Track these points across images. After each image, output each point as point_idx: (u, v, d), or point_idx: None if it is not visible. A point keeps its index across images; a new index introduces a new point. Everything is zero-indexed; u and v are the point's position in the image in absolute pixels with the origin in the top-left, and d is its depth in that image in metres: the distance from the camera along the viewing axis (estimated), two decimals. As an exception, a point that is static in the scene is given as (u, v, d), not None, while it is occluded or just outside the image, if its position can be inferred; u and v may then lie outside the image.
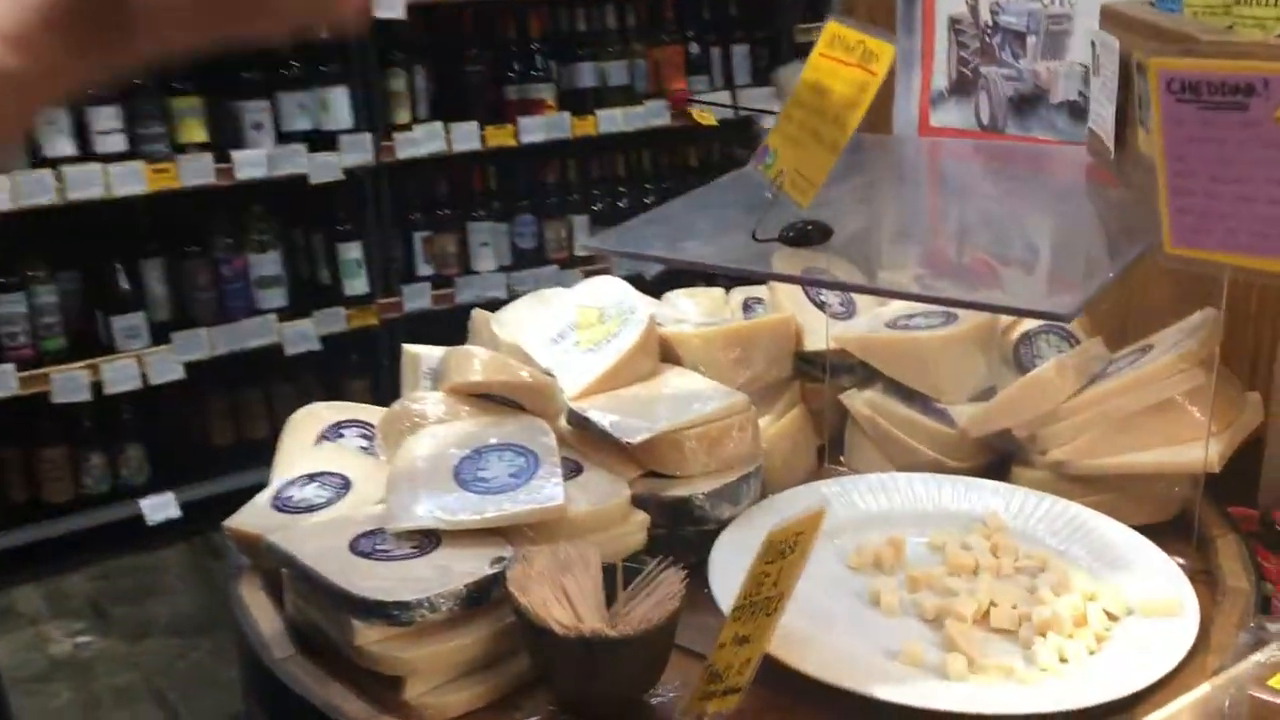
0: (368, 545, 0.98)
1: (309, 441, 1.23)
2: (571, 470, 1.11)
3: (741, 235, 0.97)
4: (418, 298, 3.67)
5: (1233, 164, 0.82)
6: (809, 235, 0.95)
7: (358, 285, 3.60)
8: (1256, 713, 0.83)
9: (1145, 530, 1.12)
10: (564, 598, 0.93)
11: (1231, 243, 0.82)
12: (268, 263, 3.49)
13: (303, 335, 3.49)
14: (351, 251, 3.59)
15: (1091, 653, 0.96)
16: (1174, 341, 1.17)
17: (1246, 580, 1.06)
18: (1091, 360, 1.21)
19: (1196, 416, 1.13)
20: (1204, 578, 1.07)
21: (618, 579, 0.96)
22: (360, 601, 0.90)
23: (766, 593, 0.90)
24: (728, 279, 1.30)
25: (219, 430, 3.60)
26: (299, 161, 3.38)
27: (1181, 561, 1.08)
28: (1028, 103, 1.37)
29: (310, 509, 1.07)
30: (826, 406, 1.35)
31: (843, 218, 0.98)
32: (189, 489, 3.41)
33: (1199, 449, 1.12)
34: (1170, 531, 1.15)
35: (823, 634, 0.99)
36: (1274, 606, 1.05)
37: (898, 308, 1.36)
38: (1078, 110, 1.33)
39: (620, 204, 3.95)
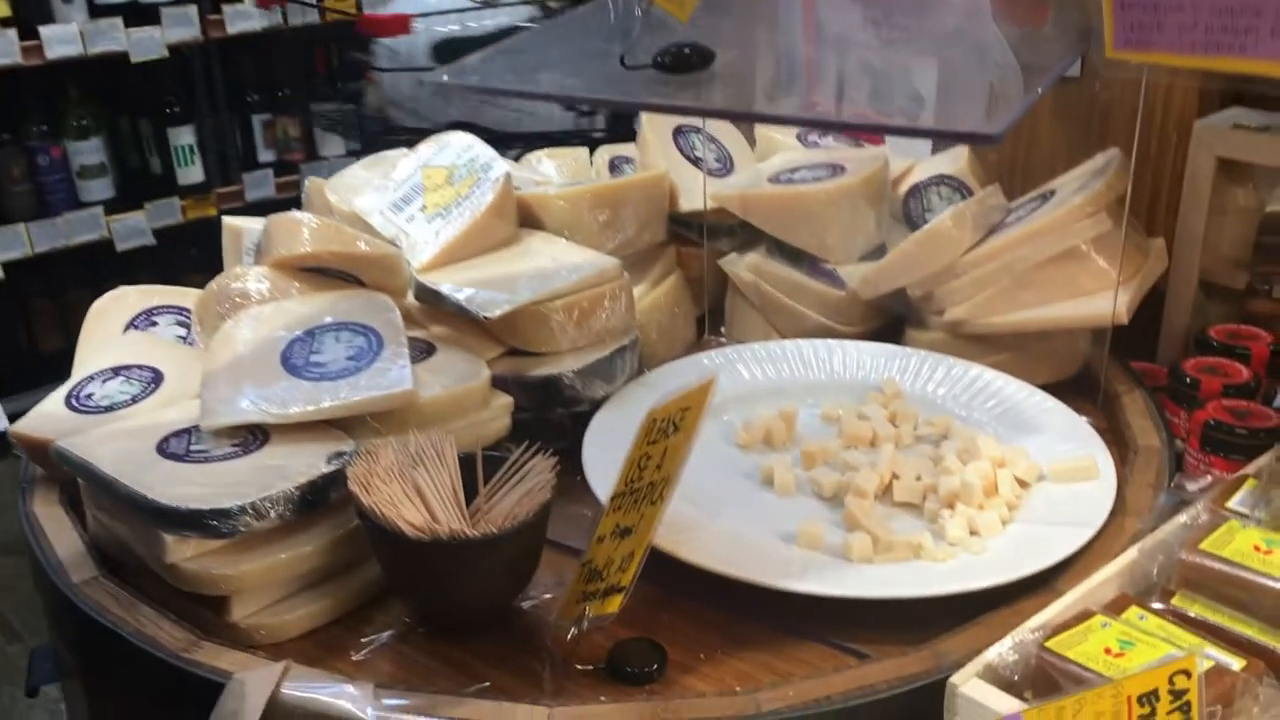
0: (179, 446, 0.83)
1: (116, 331, 1.06)
2: (422, 351, 0.98)
3: (609, 64, 0.83)
4: (259, 185, 3.41)
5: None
6: (687, 60, 0.82)
7: (192, 174, 3.33)
8: (1187, 577, 0.76)
9: (1046, 390, 1.04)
10: (416, 496, 0.80)
11: (1185, 41, 0.71)
12: (89, 150, 3.20)
13: (134, 229, 3.23)
14: (183, 137, 3.31)
15: (1004, 523, 0.87)
16: (1078, 186, 1.08)
17: (1158, 438, 0.99)
18: (990, 210, 1.11)
19: (1102, 265, 1.05)
20: (1110, 437, 0.99)
21: (478, 471, 0.83)
22: (169, 512, 0.76)
23: (649, 478, 0.79)
24: (591, 139, 1.15)
25: (46, 335, 3.33)
26: (116, 38, 3.07)
27: (1089, 421, 1.00)
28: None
29: (112, 408, 0.92)
30: (705, 272, 1.23)
31: (724, 43, 0.84)
32: (16, 399, 3.12)
33: (1105, 300, 1.04)
34: (1072, 390, 1.08)
35: (710, 519, 0.88)
36: (1187, 464, 0.99)
37: (780, 162, 1.24)
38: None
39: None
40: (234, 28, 3.26)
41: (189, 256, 3.43)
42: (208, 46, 3.25)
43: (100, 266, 3.33)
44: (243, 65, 3.45)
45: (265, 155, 3.51)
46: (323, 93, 3.58)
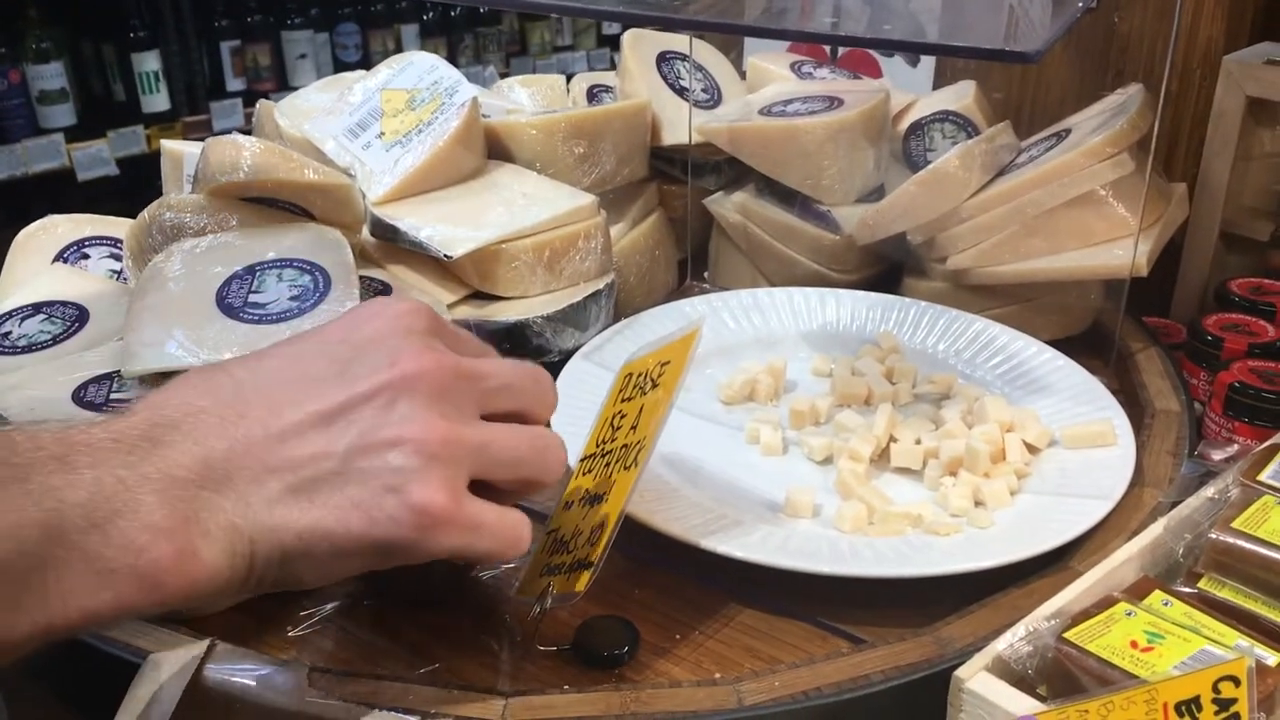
0: (97, 394, 0.74)
1: (43, 264, 0.97)
2: (376, 293, 0.89)
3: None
4: (228, 115, 3.29)
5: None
6: (672, -34, 0.73)
7: (158, 101, 3.21)
8: (1217, 559, 0.68)
9: (1054, 346, 0.96)
10: (361, 454, 0.72)
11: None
12: (50, 75, 3.07)
13: (96, 158, 3.11)
14: (148, 63, 3.18)
15: (1013, 493, 0.79)
16: (1096, 124, 0.99)
17: (1176, 401, 0.91)
18: (1000, 150, 1.02)
19: (1121, 212, 0.96)
20: (1123, 399, 0.91)
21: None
22: (78, 470, 0.67)
23: (623, 439, 0.70)
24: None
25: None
26: (77, -44, 2.94)
27: (1101, 381, 0.92)
28: None
29: (30, 349, 0.83)
30: (689, 212, 1.14)
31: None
32: (-27, 335, 3.04)
33: (1123, 250, 0.95)
34: (1081, 347, 1.00)
35: (688, 484, 0.80)
36: (1207, 429, 0.91)
37: (772, 93, 1.15)
38: None
39: (454, 12, 3.60)
40: (201, -52, 3.12)
41: (154, 187, 3.31)
42: (174, -34, 3.12)
43: (60, 196, 3.21)
44: (211, -12, 3.32)
45: (234, 84, 3.39)
46: (295, 20, 3.45)
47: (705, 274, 1.18)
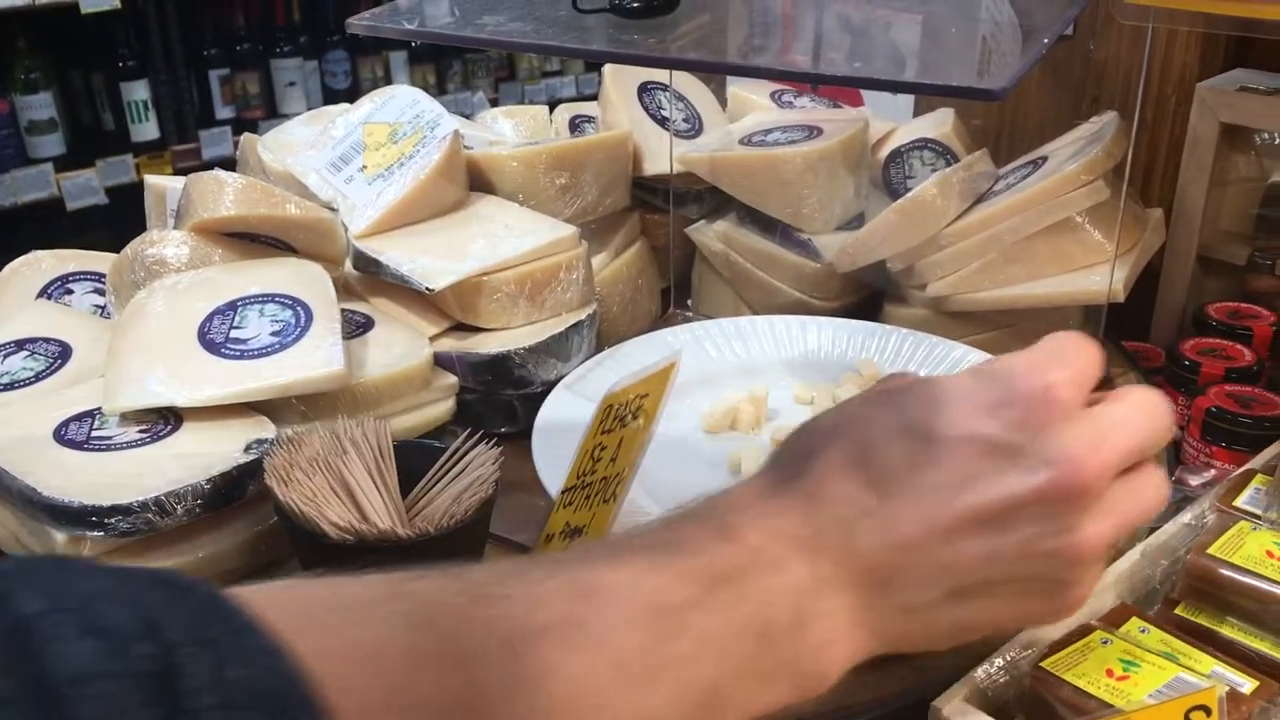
0: (78, 432, 0.75)
1: (26, 300, 0.97)
2: (358, 326, 0.89)
3: (560, 7, 0.74)
4: (217, 144, 3.30)
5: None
6: (650, 2, 0.73)
7: (147, 130, 3.22)
8: (1193, 585, 0.69)
9: (1036, 372, 0.96)
10: (343, 490, 0.72)
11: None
12: (39, 105, 3.08)
13: (86, 187, 3.11)
14: (137, 92, 3.19)
15: (992, 521, 0.80)
16: (1072, 152, 1.00)
17: (1155, 425, 0.92)
18: (977, 177, 1.03)
19: (1097, 238, 0.97)
20: (1103, 424, 0.92)
21: (419, 462, 0.75)
22: (58, 507, 0.67)
23: (603, 472, 0.71)
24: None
25: (-4, 297, 3.21)
26: (66, -13, 2.94)
27: (1081, 406, 0.92)
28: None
29: (12, 386, 0.83)
30: (671, 241, 1.15)
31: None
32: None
33: (1100, 276, 0.96)
34: (1061, 372, 1.00)
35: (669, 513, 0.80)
36: (1185, 454, 0.91)
37: (752, 122, 1.16)
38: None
39: (442, 38, 3.62)
40: (189, -22, 3.14)
41: (144, 217, 3.32)
42: (162, -3, 3.13)
43: (50, 225, 3.21)
44: (201, 17, 3.33)
45: (223, 112, 3.40)
46: (284, 48, 3.46)
47: (689, 301, 1.18)
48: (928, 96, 1.22)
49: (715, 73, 1.08)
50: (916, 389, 0.53)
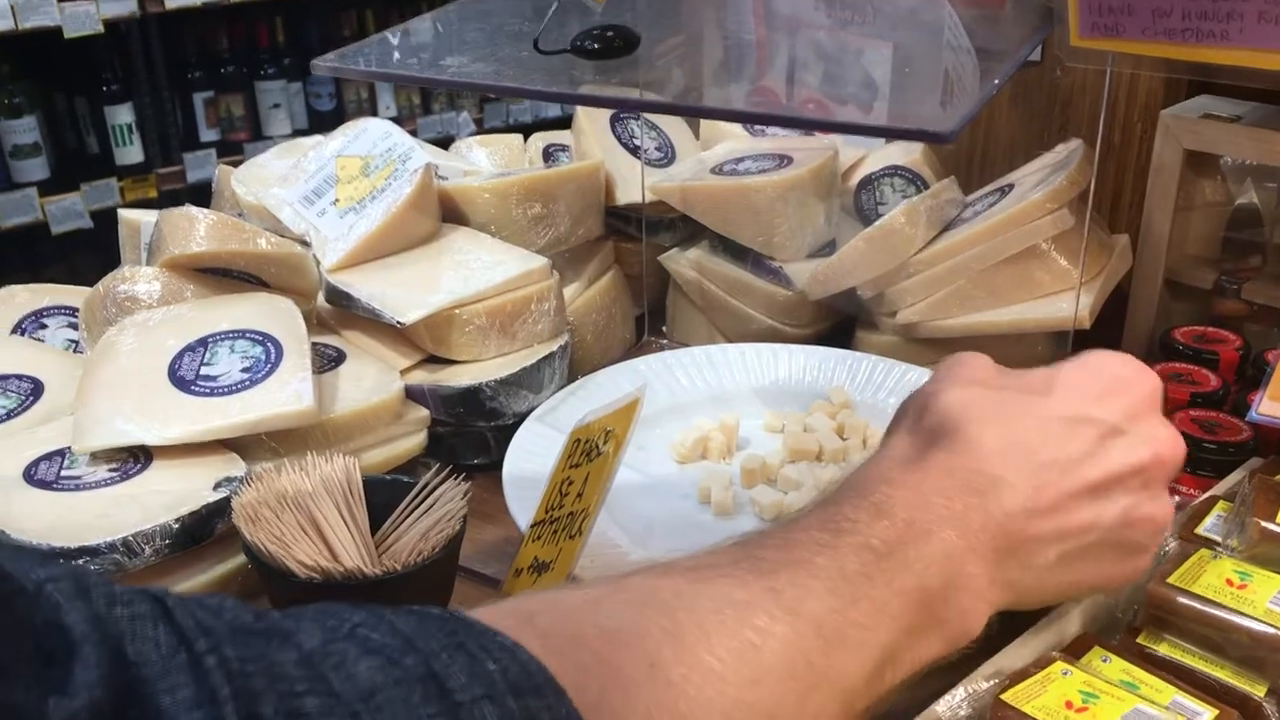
0: (48, 472, 0.75)
1: (0, 335, 0.98)
2: (329, 360, 0.90)
3: (523, 47, 0.75)
4: (201, 166, 3.30)
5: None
6: (610, 44, 0.74)
7: (131, 154, 3.22)
8: (1154, 614, 0.70)
9: (1005, 397, 0.97)
10: (311, 528, 0.72)
11: (1159, 27, 0.64)
12: (22, 129, 3.09)
13: (70, 211, 3.12)
14: (121, 115, 3.20)
15: (958, 550, 0.80)
16: (1038, 180, 1.01)
17: (1122, 451, 0.93)
18: (945, 205, 1.04)
19: (1063, 265, 0.98)
20: (1072, 449, 0.93)
21: (388, 497, 0.76)
22: (26, 551, 0.68)
23: (570, 507, 0.71)
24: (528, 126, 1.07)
25: (-20, 322, 3.21)
26: (49, 12, 2.95)
27: (1049, 432, 0.93)
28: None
29: (-17, 425, 0.83)
30: (644, 270, 1.16)
31: (650, 27, 0.77)
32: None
33: (1066, 302, 0.97)
34: (1031, 397, 1.01)
35: (638, 547, 0.81)
36: (1152, 479, 0.92)
37: (724, 151, 1.17)
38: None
39: (426, 59, 3.63)
40: (173, 2, 3.15)
41: (127, 240, 3.31)
42: (146, 21, 3.14)
43: (34, 250, 3.22)
44: (185, 40, 3.33)
45: (208, 135, 3.40)
46: (268, 71, 3.47)
47: (663, 328, 1.19)
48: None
49: (670, 114, 1.10)
50: (1038, 376, 0.63)
